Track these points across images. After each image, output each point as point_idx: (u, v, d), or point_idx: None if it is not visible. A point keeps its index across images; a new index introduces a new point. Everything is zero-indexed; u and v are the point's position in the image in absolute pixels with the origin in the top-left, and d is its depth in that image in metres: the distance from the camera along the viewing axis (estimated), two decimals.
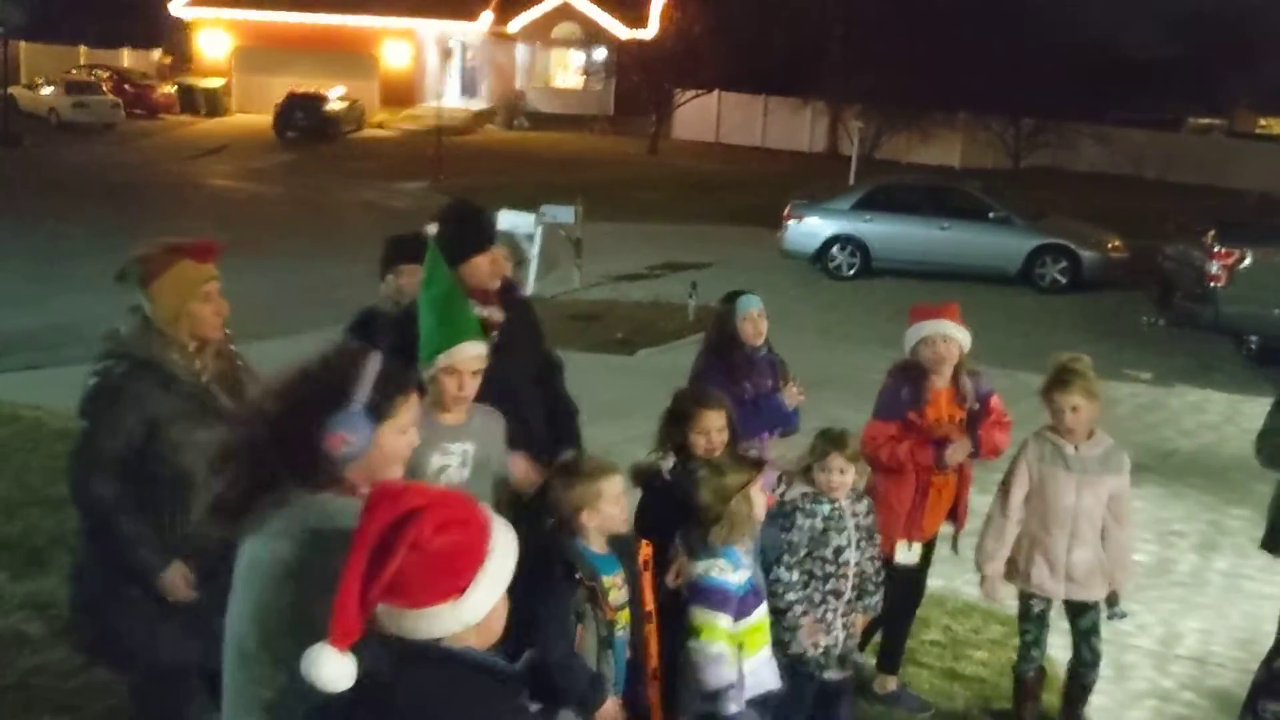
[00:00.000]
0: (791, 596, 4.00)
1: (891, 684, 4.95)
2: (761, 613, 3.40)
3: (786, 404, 4.82)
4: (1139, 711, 5.03)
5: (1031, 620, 4.61)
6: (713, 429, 3.95)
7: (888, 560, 4.63)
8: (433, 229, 4.01)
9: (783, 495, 4.06)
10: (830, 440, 4.10)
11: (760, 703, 3.62)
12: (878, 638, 4.98)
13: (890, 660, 4.98)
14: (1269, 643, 4.47)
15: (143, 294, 3.46)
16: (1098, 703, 5.03)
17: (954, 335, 4.65)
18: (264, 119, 34.38)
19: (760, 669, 3.59)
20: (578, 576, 3.35)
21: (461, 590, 1.99)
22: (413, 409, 2.43)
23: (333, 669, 1.93)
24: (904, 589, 4.81)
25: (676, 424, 4.00)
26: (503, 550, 2.04)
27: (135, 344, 3.43)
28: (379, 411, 2.33)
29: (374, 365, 2.36)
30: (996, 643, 5.41)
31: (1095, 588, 4.52)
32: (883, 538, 4.66)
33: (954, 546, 4.94)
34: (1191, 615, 6.04)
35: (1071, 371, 4.43)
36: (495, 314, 4.11)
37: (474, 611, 2.01)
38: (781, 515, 4.05)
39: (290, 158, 30.34)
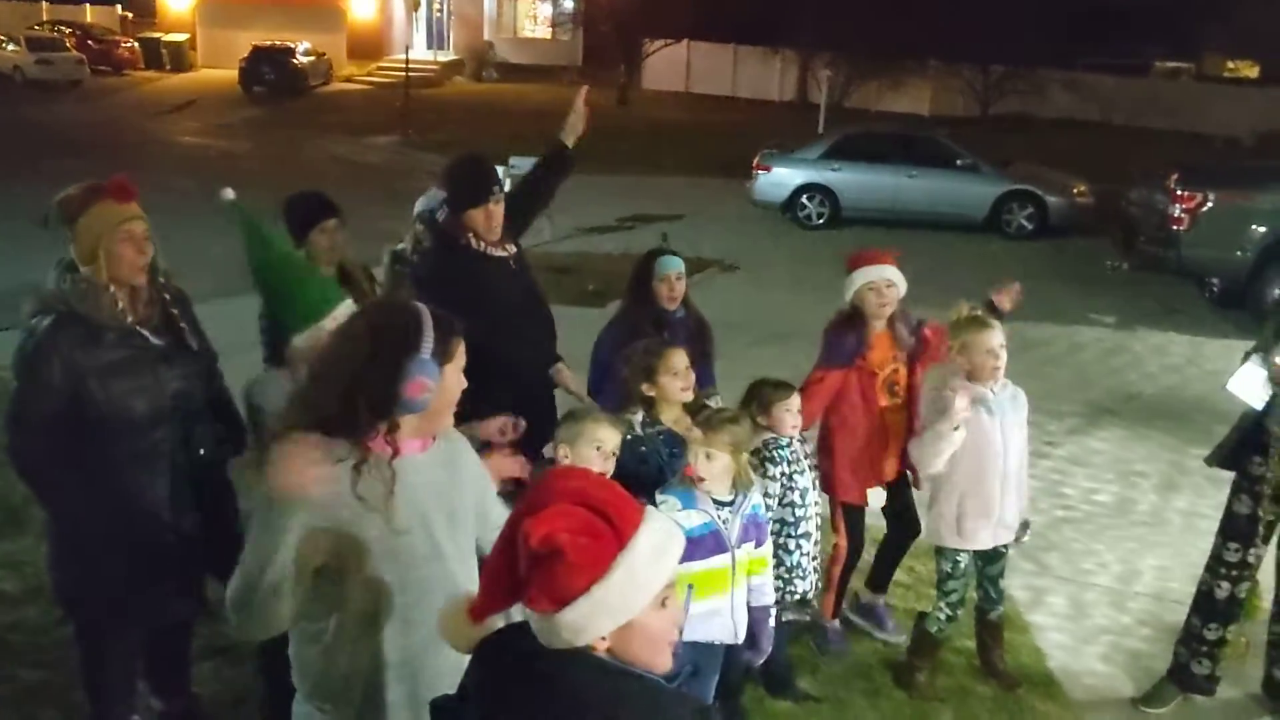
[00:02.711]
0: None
1: (877, 598, 5.20)
2: (719, 562, 3.47)
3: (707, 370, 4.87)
4: (1097, 647, 5.18)
5: (958, 578, 4.59)
6: (681, 366, 4.01)
7: (846, 503, 4.84)
8: (229, 194, 4.03)
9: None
10: (779, 384, 4.25)
11: (706, 648, 3.70)
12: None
13: (880, 580, 5.22)
14: None
15: (68, 236, 3.41)
16: (1056, 639, 5.20)
17: (896, 280, 4.72)
18: (230, 74, 33.91)
19: (711, 617, 3.62)
20: None
21: (567, 600, 1.78)
22: (462, 349, 2.55)
23: (466, 634, 1.94)
24: (902, 522, 5.09)
25: (644, 375, 4.04)
26: (623, 576, 1.79)
27: (58, 297, 3.38)
28: (442, 355, 2.46)
29: (428, 312, 2.48)
30: None
31: (1014, 530, 4.61)
32: (849, 488, 4.84)
33: (916, 484, 5.01)
34: (1150, 553, 6.20)
35: (984, 317, 4.46)
36: (509, 248, 4.57)
37: (596, 617, 1.78)
38: (760, 456, 4.17)
39: (258, 113, 29.99)
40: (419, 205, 5.97)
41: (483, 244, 4.53)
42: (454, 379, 2.53)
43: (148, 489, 3.49)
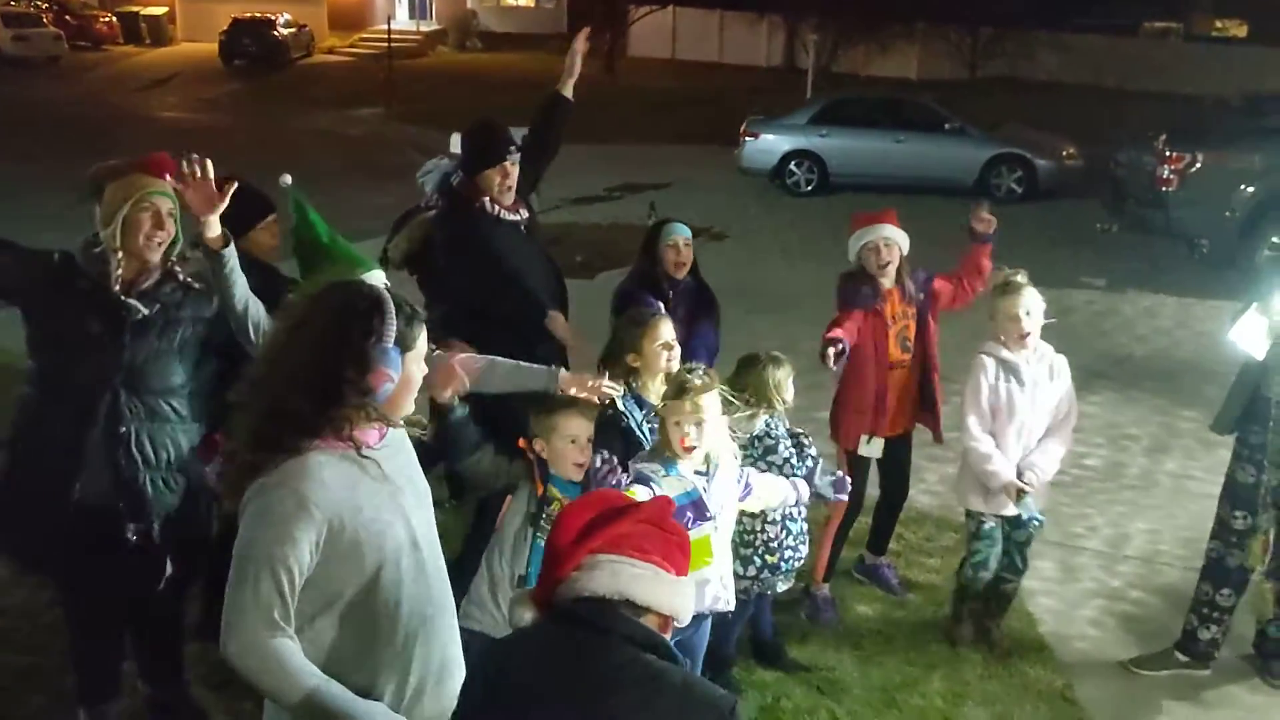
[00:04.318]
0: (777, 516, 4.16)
1: (880, 560, 5.32)
2: (703, 531, 3.46)
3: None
4: (1088, 610, 5.18)
5: (983, 539, 4.67)
6: (668, 337, 3.98)
7: (851, 452, 4.97)
8: (287, 179, 4.05)
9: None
10: (775, 359, 4.23)
11: (696, 618, 3.66)
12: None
13: (879, 543, 5.33)
14: None
15: (95, 205, 3.45)
16: (1046, 604, 5.20)
17: (894, 238, 4.88)
18: (210, 47, 33.60)
19: (700, 588, 3.55)
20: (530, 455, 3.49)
21: (680, 570, 2.07)
22: (424, 337, 2.48)
23: (530, 619, 2.06)
24: (893, 482, 5.20)
25: (629, 344, 4.00)
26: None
27: (76, 248, 3.47)
28: (404, 343, 2.39)
29: (389, 297, 2.41)
30: (949, 550, 5.54)
31: (1041, 499, 4.64)
32: (846, 435, 4.98)
33: (938, 438, 5.19)
34: (1140, 516, 6.20)
35: (1015, 282, 4.54)
36: (522, 212, 4.74)
37: (689, 596, 2.10)
38: (762, 444, 4.15)
39: (239, 86, 29.74)
40: (429, 183, 5.78)
41: (496, 207, 4.63)
42: (415, 368, 2.45)
43: (83, 452, 3.46)
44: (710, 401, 3.54)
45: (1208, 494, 6.06)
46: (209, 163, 3.39)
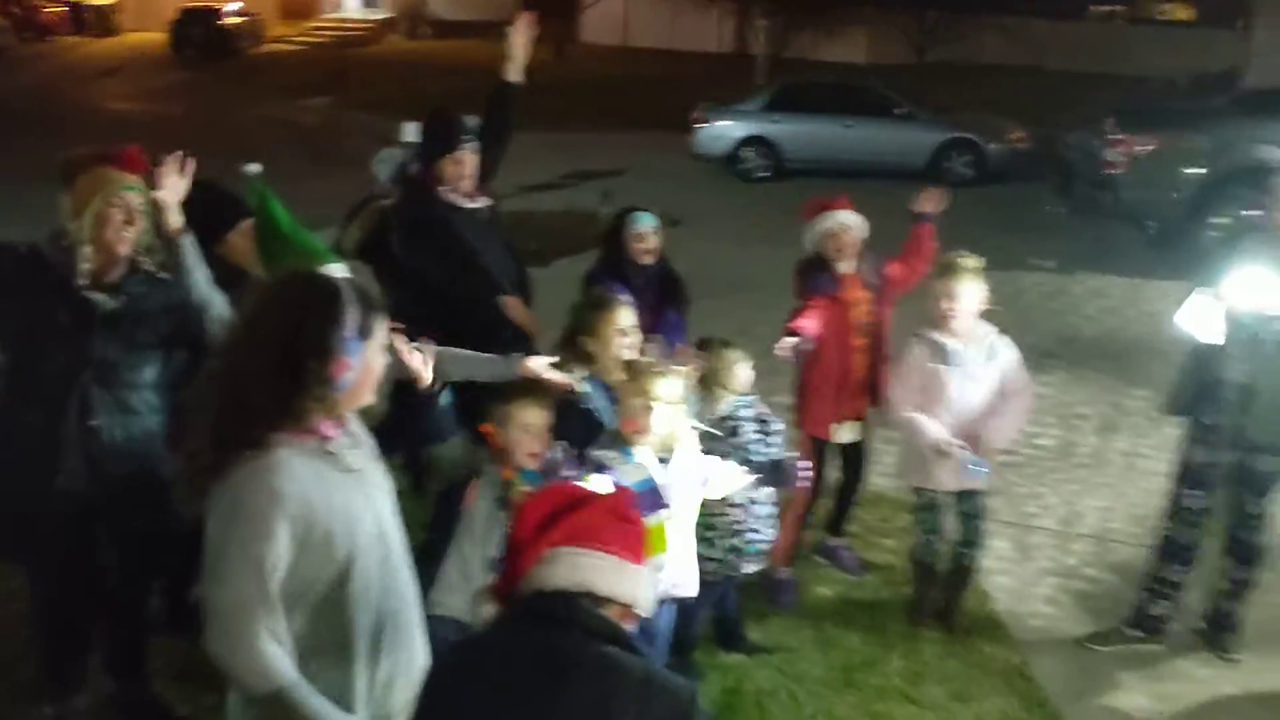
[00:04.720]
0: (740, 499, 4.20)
1: (838, 541, 5.40)
2: (659, 517, 3.47)
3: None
4: (1042, 589, 5.26)
5: (929, 510, 4.80)
6: (628, 323, 3.98)
7: (826, 442, 5.06)
8: (254, 168, 4.01)
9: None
10: (726, 344, 4.27)
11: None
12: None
13: (838, 526, 5.40)
14: None
15: (65, 196, 3.42)
16: (1002, 583, 5.27)
17: (852, 224, 4.94)
18: (158, 37, 32.96)
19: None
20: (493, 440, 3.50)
21: (641, 560, 2.07)
22: (385, 325, 2.46)
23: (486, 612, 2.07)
24: (852, 465, 5.28)
25: (587, 329, 3.99)
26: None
27: (43, 240, 3.46)
28: (364, 332, 2.36)
29: (347, 288, 2.38)
30: (905, 531, 5.58)
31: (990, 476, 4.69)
32: (816, 424, 5.04)
33: (886, 421, 5.20)
34: (1092, 495, 6.30)
35: (956, 264, 4.58)
36: (482, 200, 4.74)
37: (649, 585, 2.09)
38: (726, 425, 4.17)
39: (189, 76, 29.26)
40: (383, 172, 5.78)
41: (456, 195, 4.63)
42: (375, 356, 2.43)
43: (56, 446, 3.44)
44: (665, 387, 3.55)
45: (1157, 471, 6.18)
46: (191, 163, 3.41)
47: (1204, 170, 11.33)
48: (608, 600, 2.01)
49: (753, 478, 4.03)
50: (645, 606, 2.08)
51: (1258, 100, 12.89)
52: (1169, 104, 13.79)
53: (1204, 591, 4.78)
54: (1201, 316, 4.36)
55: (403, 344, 3.11)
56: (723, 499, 4.12)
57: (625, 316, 3.97)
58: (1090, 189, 12.22)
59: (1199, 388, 4.52)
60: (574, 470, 3.53)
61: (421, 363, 3.23)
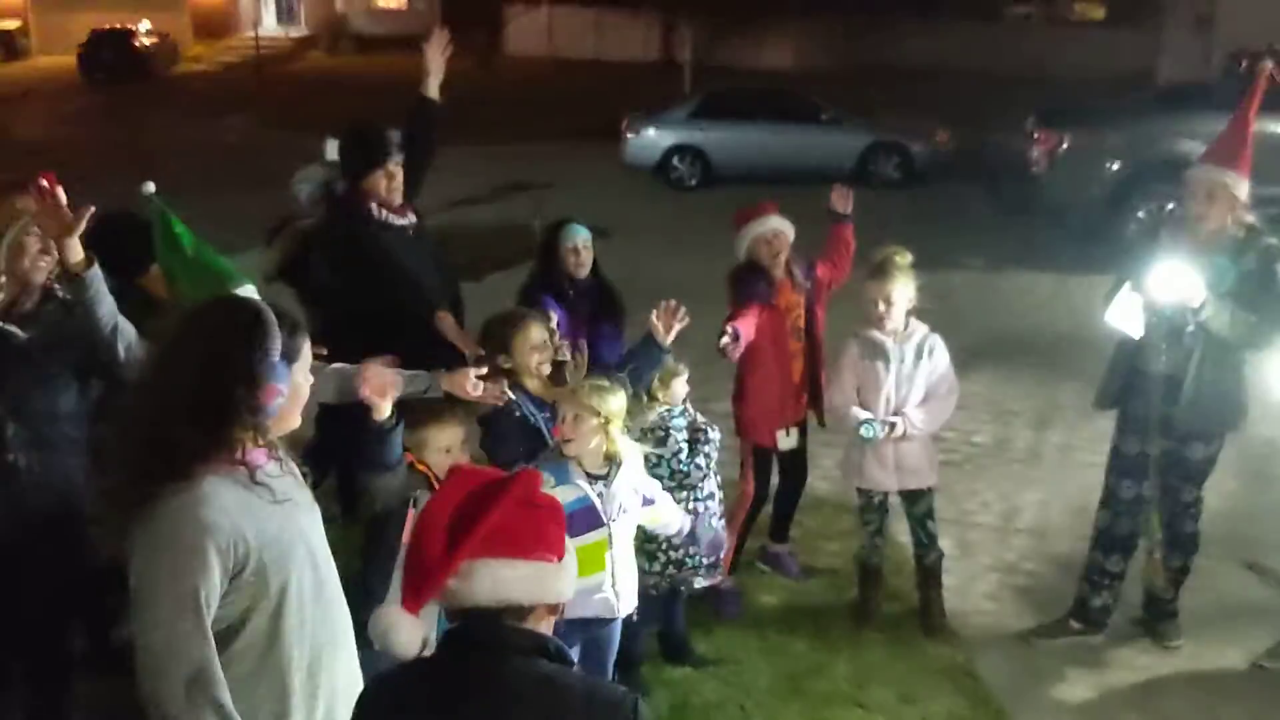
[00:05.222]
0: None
1: (781, 548, 5.38)
2: (595, 537, 3.42)
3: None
4: (984, 585, 5.29)
5: (872, 511, 4.85)
6: (540, 339, 3.94)
7: (773, 449, 5.04)
8: (149, 187, 3.85)
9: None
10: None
11: (594, 624, 3.65)
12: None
13: (780, 532, 5.38)
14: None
15: None
16: (944, 581, 5.26)
17: (783, 228, 4.97)
18: (68, 60, 32.25)
19: (589, 594, 3.48)
20: (420, 466, 3.45)
21: (560, 553, 1.96)
22: (308, 347, 2.40)
23: (406, 633, 1.91)
24: (794, 470, 5.26)
25: (500, 346, 3.93)
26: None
27: None
28: (290, 356, 2.31)
29: (269, 312, 2.31)
30: (847, 534, 5.60)
31: (925, 475, 4.73)
32: (760, 432, 5.03)
33: (821, 423, 5.27)
34: (1029, 489, 6.35)
35: (887, 263, 4.61)
36: (410, 216, 4.67)
37: (570, 574, 1.98)
38: (654, 435, 4.14)
39: (102, 100, 28.67)
40: (303, 191, 5.63)
41: (384, 212, 4.56)
42: (302, 379, 2.38)
43: None
44: (602, 402, 3.50)
45: (1092, 464, 6.24)
46: (59, 188, 3.24)
47: (1121, 165, 11.54)
48: (531, 608, 1.93)
49: (689, 521, 4.01)
50: (569, 596, 1.99)
51: (1171, 95, 13.20)
52: (1087, 102, 14.04)
53: (1142, 581, 4.83)
54: (1130, 312, 4.41)
55: (371, 374, 3.08)
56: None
57: (536, 333, 3.93)
58: (1015, 188, 12.42)
59: (1126, 380, 4.57)
60: None
61: (380, 392, 3.16)
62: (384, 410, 3.20)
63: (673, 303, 4.07)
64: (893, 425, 4.58)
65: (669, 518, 3.94)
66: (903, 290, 4.60)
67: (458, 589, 1.88)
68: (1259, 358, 4.49)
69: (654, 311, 4.03)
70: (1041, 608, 5.04)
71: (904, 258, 4.66)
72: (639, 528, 3.82)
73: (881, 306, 4.59)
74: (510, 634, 1.90)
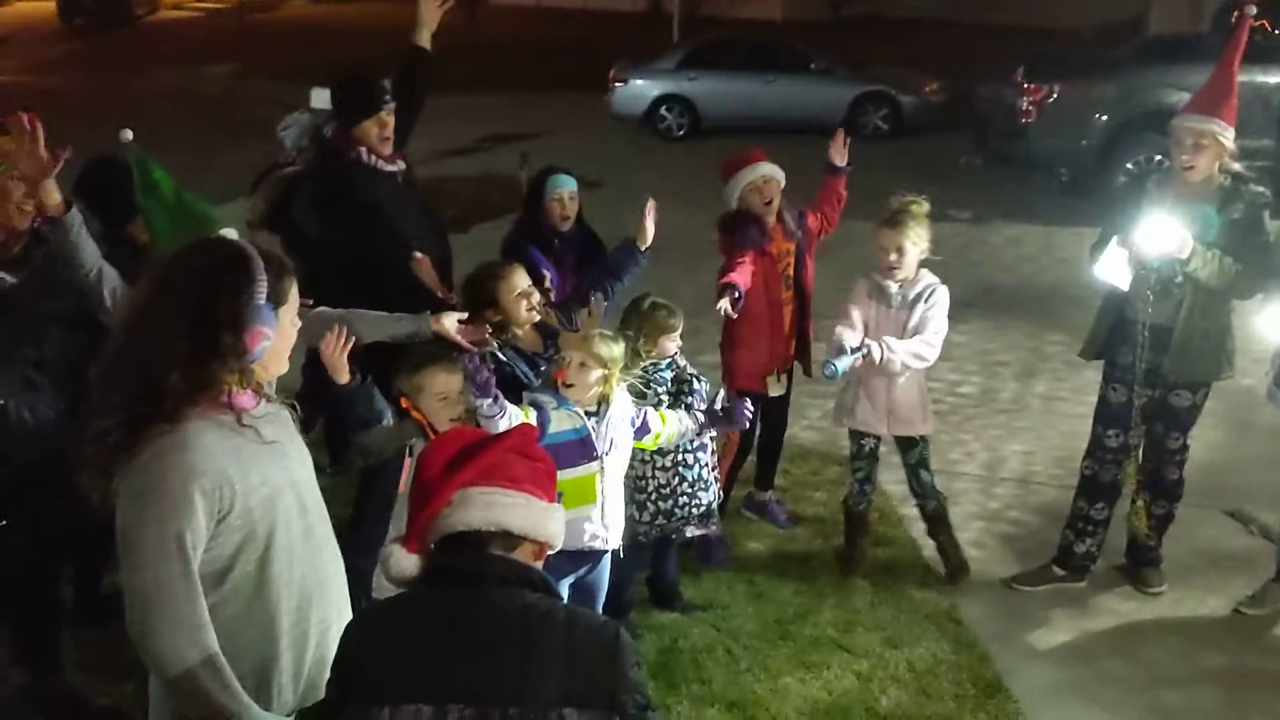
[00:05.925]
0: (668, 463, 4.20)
1: (767, 495, 5.40)
2: (587, 470, 3.44)
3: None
4: (968, 533, 5.33)
5: (863, 458, 4.87)
6: (523, 285, 3.94)
7: (761, 395, 5.00)
8: (127, 134, 3.82)
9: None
10: (668, 310, 4.22)
11: (583, 557, 3.68)
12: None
13: (765, 479, 5.41)
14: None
15: None
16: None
17: (774, 175, 4.95)
18: (47, 6, 31.77)
19: (580, 524, 3.52)
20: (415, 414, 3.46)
21: (551, 497, 2.06)
22: (295, 290, 2.39)
23: (409, 568, 2.00)
24: (776, 418, 5.28)
25: (486, 299, 3.93)
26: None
27: None
28: (277, 299, 2.29)
29: (256, 253, 2.29)
30: (834, 483, 5.64)
31: (918, 423, 4.75)
32: (749, 378, 5.03)
33: (806, 372, 5.29)
34: (1014, 439, 6.40)
35: (897, 216, 4.59)
36: (399, 163, 4.66)
37: (559, 521, 2.07)
38: (634, 390, 4.15)
39: (81, 46, 28.27)
40: (289, 137, 5.61)
41: (374, 158, 4.53)
42: (289, 322, 2.37)
43: None
44: (605, 349, 3.52)
45: (1076, 414, 6.31)
46: (39, 125, 3.21)
47: (1111, 117, 11.51)
48: (522, 539, 1.99)
49: (698, 423, 4.00)
50: (557, 542, 2.07)
51: (1161, 47, 13.13)
52: (1076, 53, 13.95)
53: (1125, 528, 4.88)
54: (1117, 265, 4.42)
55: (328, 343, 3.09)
56: (648, 461, 4.09)
57: (519, 277, 3.93)
58: (1004, 139, 12.38)
59: (1113, 330, 4.59)
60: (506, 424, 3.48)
61: (337, 355, 3.18)
62: (342, 376, 3.22)
63: (651, 201, 4.28)
64: (869, 349, 4.53)
65: (673, 428, 3.91)
66: (915, 240, 4.58)
67: (452, 514, 1.96)
68: (1245, 307, 4.51)
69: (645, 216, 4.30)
70: (1025, 555, 5.09)
71: (920, 207, 4.63)
72: (630, 475, 3.84)
73: (893, 256, 4.56)
74: (495, 563, 1.95)
